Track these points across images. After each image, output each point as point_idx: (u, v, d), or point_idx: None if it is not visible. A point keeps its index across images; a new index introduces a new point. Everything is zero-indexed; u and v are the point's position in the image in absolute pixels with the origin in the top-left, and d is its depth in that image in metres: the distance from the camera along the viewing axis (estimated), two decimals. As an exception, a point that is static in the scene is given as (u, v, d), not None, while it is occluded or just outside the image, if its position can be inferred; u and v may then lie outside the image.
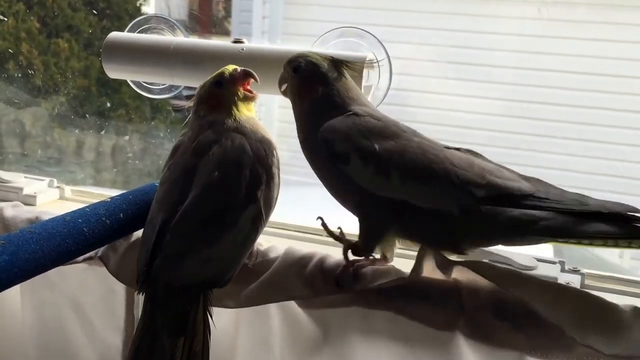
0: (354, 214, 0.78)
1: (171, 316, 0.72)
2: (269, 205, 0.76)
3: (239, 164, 0.74)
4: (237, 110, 0.80)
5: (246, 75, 0.81)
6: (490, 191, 0.70)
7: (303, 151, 0.80)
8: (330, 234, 0.83)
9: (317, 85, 0.79)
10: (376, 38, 0.94)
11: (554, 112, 3.31)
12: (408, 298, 0.77)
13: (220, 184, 0.73)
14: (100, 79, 2.69)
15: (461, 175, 0.71)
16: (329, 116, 0.77)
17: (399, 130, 0.76)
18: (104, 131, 2.52)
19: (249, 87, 0.82)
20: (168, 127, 2.53)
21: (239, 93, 0.81)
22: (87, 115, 2.54)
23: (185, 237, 0.72)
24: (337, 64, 0.80)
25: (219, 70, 0.81)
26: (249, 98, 0.82)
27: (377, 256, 0.80)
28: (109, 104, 2.61)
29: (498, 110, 3.33)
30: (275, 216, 0.88)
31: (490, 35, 3.33)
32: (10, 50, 2.46)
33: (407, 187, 0.72)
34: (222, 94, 0.80)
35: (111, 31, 1.01)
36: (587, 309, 0.72)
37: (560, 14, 3.22)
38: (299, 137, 0.80)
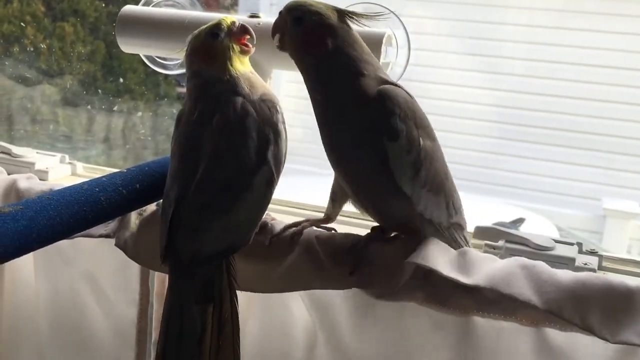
0: (346, 179, 0.76)
1: (197, 286, 0.71)
2: (280, 163, 0.75)
3: (245, 129, 0.72)
4: (232, 65, 0.76)
5: (244, 31, 0.77)
6: (456, 221, 0.78)
7: (320, 109, 0.74)
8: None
9: (325, 39, 0.72)
10: (394, 13, 0.92)
11: (561, 104, 3.30)
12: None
13: (229, 151, 0.72)
14: (105, 64, 2.67)
15: (454, 201, 0.77)
16: (352, 73, 0.72)
17: (433, 132, 0.75)
18: (114, 109, 2.52)
19: (244, 42, 0.78)
20: (174, 115, 2.52)
21: (235, 47, 0.76)
22: (92, 100, 2.53)
23: (203, 209, 0.71)
24: (344, 16, 0.73)
25: (216, 20, 0.77)
26: (244, 52, 0.77)
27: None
28: (116, 89, 2.60)
29: (506, 102, 3.31)
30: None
31: (499, 25, 3.31)
32: (18, 31, 2.44)
33: (423, 191, 0.73)
34: (217, 46, 0.76)
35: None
36: (609, 302, 0.69)
37: (571, 5, 3.20)
38: (314, 95, 0.74)
